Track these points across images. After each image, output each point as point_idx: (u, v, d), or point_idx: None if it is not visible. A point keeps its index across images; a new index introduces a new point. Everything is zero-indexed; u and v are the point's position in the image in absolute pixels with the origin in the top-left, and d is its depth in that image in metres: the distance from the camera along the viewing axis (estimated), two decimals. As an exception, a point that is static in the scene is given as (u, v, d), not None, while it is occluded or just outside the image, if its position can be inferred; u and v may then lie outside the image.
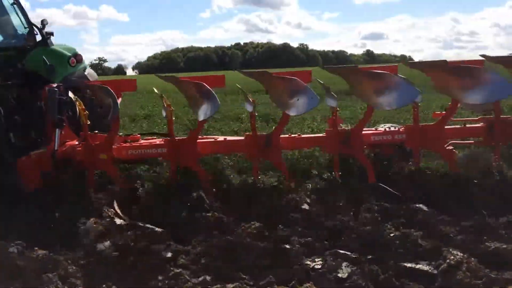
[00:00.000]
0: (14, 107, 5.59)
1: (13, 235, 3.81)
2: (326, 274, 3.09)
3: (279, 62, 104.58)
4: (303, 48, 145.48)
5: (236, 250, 3.60)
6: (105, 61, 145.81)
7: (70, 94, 5.03)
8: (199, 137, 5.17)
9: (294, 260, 3.32)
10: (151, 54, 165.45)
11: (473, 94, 4.20)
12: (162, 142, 5.17)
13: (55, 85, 5.19)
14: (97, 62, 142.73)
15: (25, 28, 6.23)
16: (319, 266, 3.20)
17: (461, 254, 3.11)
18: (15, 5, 6.23)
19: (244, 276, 3.21)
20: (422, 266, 3.15)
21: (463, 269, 2.96)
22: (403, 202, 4.16)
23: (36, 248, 3.65)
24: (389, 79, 4.33)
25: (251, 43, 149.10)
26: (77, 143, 5.21)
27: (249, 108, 4.94)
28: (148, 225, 4.01)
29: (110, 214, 4.23)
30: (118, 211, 4.33)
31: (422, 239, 3.51)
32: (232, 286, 3.04)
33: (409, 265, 3.15)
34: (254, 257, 3.46)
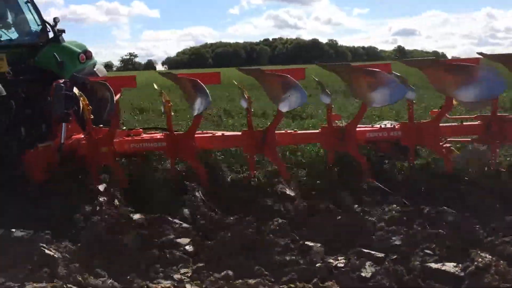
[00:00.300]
0: (25, 101, 5.75)
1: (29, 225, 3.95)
2: (349, 273, 3.06)
3: (308, 58, 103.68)
4: (332, 44, 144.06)
5: (258, 246, 3.61)
6: (135, 56, 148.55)
7: (75, 90, 5.05)
8: (198, 132, 5.29)
9: (316, 258, 3.30)
10: (180, 49, 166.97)
11: (465, 92, 4.19)
12: (162, 137, 5.25)
13: (62, 80, 5.30)
14: (128, 57, 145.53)
15: (38, 25, 6.42)
16: (342, 265, 3.16)
17: (490, 257, 3.02)
18: (28, 3, 6.41)
19: (266, 272, 3.20)
20: (449, 268, 3.05)
21: (492, 272, 2.86)
22: (430, 202, 4.07)
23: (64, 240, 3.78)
24: (379, 76, 4.34)
25: (280, 38, 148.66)
26: (82, 136, 5.35)
27: (244, 104, 5.05)
28: (175, 220, 4.07)
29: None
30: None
31: (450, 240, 3.43)
32: (253, 281, 3.04)
33: (435, 266, 3.07)
34: (276, 253, 3.45)
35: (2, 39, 6.31)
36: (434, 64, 4.50)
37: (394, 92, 4.24)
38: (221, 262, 3.42)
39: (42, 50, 6.27)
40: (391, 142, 5.34)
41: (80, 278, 3.13)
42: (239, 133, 5.31)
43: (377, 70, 4.38)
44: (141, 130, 5.99)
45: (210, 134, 5.63)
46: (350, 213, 4.05)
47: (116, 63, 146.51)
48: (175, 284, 3.10)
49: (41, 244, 3.46)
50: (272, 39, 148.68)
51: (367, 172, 4.74)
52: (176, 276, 3.21)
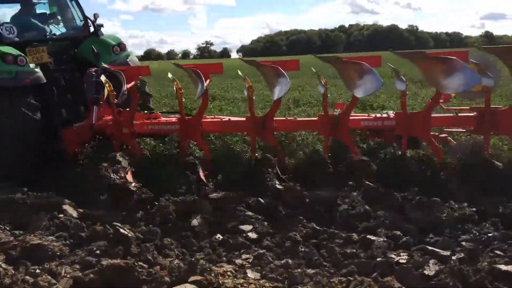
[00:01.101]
0: (66, 87, 6.54)
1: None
2: (411, 270, 2.99)
3: (386, 45, 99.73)
4: (412, 30, 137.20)
5: (321, 237, 3.63)
6: (211, 44, 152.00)
7: (102, 77, 5.56)
8: (209, 116, 6.01)
9: (377, 252, 3.26)
10: (255, 37, 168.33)
11: (446, 84, 4.37)
12: (176, 120, 5.68)
13: (93, 69, 5.93)
14: (204, 45, 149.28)
15: (81, 21, 7.17)
16: (404, 261, 3.09)
17: None
18: (73, 1, 7.17)
19: (325, 263, 3.22)
20: (521, 271, 2.89)
21: None
22: (501, 200, 3.85)
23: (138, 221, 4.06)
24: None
25: (357, 25, 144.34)
26: (110, 118, 6.00)
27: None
28: (240, 207, 4.21)
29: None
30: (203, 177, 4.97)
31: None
32: (312, 271, 3.08)
33: (505, 268, 2.90)
34: (337, 245, 3.45)
35: (52, 33, 7.14)
36: (422, 56, 4.62)
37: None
38: (282, 250, 3.50)
39: (83, 43, 6.97)
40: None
41: (150, 257, 3.35)
42: (243, 118, 5.58)
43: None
44: (160, 114, 6.55)
45: (218, 119, 6.03)
46: (418, 208, 3.92)
47: (193, 51, 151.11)
48: (236, 269, 3.21)
49: (116, 224, 3.74)
50: (349, 25, 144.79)
51: (357, 153, 4.94)
52: (238, 261, 3.32)
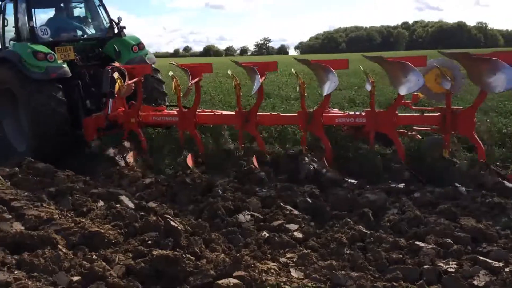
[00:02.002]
0: (91, 81, 7.47)
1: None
2: (459, 279, 2.90)
3: (452, 43, 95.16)
4: (481, 27, 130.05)
5: (368, 240, 3.59)
6: (269, 41, 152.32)
7: (115, 74, 6.33)
8: (206, 110, 7.06)
9: (425, 259, 3.18)
10: (313, 34, 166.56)
11: (399, 86, 4.97)
12: (176, 112, 6.53)
13: (110, 66, 6.82)
14: (262, 42, 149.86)
15: (106, 23, 8.11)
16: (453, 270, 3.00)
17: None
18: (100, 6, 8.13)
19: (370, 267, 3.19)
20: None
21: None
22: None
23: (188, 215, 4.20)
24: (324, 70, 5.15)
25: (421, 21, 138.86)
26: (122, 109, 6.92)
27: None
28: (287, 206, 4.26)
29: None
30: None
31: None
32: (356, 274, 3.05)
33: None
34: (383, 249, 3.40)
35: (82, 33, 8.13)
36: (383, 61, 5.18)
37: (330, 84, 4.91)
38: (327, 251, 3.50)
39: (107, 42, 7.92)
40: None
41: (197, 250, 3.47)
42: (233, 113, 6.33)
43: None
44: (164, 107, 7.33)
45: (211, 113, 6.81)
46: (470, 217, 3.78)
47: (251, 47, 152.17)
48: (280, 267, 3.25)
49: (168, 216, 3.90)
50: (413, 22, 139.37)
51: (329, 152, 5.47)
52: (282, 260, 3.36)
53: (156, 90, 7.75)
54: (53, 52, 6.87)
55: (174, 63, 6.85)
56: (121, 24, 7.97)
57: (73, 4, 8.43)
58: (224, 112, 6.92)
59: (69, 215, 4.31)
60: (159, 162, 6.11)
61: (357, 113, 5.88)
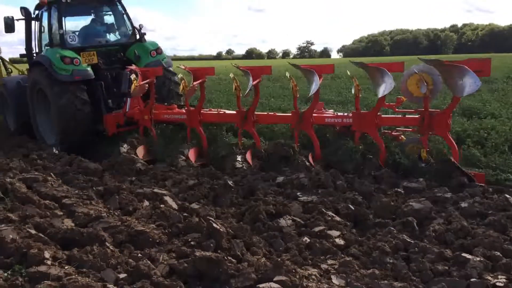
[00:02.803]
0: (112, 82, 8.31)
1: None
2: (509, 295, 2.79)
3: (505, 46, 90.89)
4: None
5: (412, 250, 3.52)
6: (312, 44, 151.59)
7: (132, 76, 7.03)
8: (208, 109, 7.85)
9: (472, 272, 3.07)
10: (357, 37, 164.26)
11: (377, 88, 5.57)
12: (184, 111, 7.23)
13: (129, 68, 7.55)
14: (304, 45, 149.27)
15: (129, 30, 8.91)
16: (502, 284, 2.89)
17: None
18: (124, 15, 8.92)
19: (414, 278, 3.12)
20: None
21: None
22: None
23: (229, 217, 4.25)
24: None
25: (470, 24, 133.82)
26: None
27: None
28: (329, 212, 4.23)
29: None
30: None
31: None
32: (399, 285, 3.00)
33: None
34: (428, 260, 3.32)
35: (108, 40, 9.00)
36: (364, 66, 5.76)
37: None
38: (369, 259, 3.45)
39: (129, 48, 8.71)
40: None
41: (239, 253, 3.51)
42: (234, 112, 6.98)
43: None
44: (175, 106, 7.94)
45: (215, 111, 7.51)
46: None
47: (293, 50, 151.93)
48: (321, 273, 3.24)
49: (210, 218, 3.96)
50: (462, 24, 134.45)
51: (317, 148, 6.06)
52: (323, 266, 3.35)
53: (171, 91, 8.41)
54: (78, 57, 7.78)
55: (182, 67, 7.49)
56: (143, 30, 8.85)
57: (100, 13, 9.20)
58: (226, 111, 7.56)
59: (116, 213, 4.46)
60: (164, 154, 6.81)
61: (345, 114, 6.48)
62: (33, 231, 3.78)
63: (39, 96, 8.37)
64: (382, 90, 5.44)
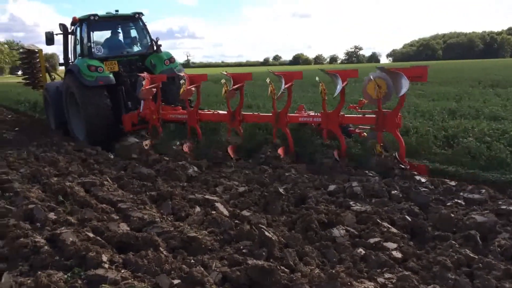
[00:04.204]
0: (131, 87, 9.59)
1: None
2: None
3: None
4: None
5: (475, 266, 3.32)
6: (360, 49, 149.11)
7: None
8: (208, 110, 9.41)
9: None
10: (408, 41, 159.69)
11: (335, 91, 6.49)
12: (185, 112, 8.54)
13: (143, 75, 8.80)
14: (352, 50, 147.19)
15: (148, 42, 10.26)
16: None
17: None
18: (144, 29, 10.33)
19: (479, 296, 2.93)
20: None
21: None
22: None
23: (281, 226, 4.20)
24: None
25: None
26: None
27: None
28: (384, 223, 4.09)
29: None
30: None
31: None
32: (463, 303, 2.82)
33: None
34: (493, 277, 3.12)
35: (129, 50, 10.36)
36: (326, 73, 6.90)
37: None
38: (429, 274, 3.29)
39: (148, 57, 10.05)
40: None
41: (291, 263, 3.45)
42: (225, 112, 8.10)
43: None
44: (180, 107, 9.15)
45: (211, 112, 8.79)
46: None
47: (341, 56, 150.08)
48: (378, 287, 3.11)
49: (262, 226, 3.92)
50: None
51: (291, 143, 7.12)
52: (380, 280, 3.21)
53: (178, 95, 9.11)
54: (102, 65, 9.16)
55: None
56: (159, 42, 10.21)
57: (123, 28, 10.70)
58: (220, 112, 8.72)
59: (169, 219, 4.52)
60: (165, 147, 7.84)
61: (316, 113, 7.42)
62: (91, 234, 3.90)
63: (71, 98, 9.73)
64: (337, 92, 6.42)
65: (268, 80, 7.33)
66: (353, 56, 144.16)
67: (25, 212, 4.56)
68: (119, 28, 10.67)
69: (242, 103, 7.83)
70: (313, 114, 7.49)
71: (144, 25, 10.38)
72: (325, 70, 7.22)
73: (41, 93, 12.26)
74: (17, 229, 4.05)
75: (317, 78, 7.16)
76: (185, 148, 7.61)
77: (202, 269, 3.30)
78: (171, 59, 9.96)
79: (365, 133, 7.22)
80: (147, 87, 8.45)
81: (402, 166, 5.82)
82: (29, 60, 13.52)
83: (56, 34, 10.70)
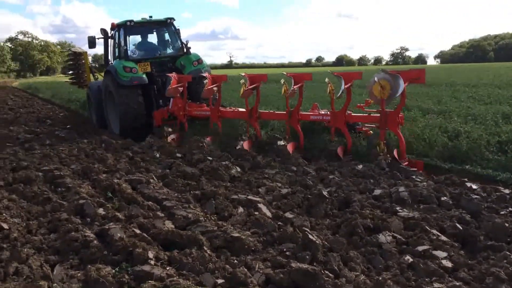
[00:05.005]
0: (163, 86, 10.36)
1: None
2: None
3: None
4: None
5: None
6: (406, 50, 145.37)
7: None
8: (229, 107, 10.15)
9: None
10: (456, 42, 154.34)
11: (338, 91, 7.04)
12: (208, 109, 9.27)
13: (171, 74, 9.62)
14: (398, 51, 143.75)
15: (179, 45, 11.21)
16: None
17: None
18: (175, 33, 11.27)
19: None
20: None
21: None
22: None
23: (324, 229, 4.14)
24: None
25: None
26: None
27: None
28: (433, 230, 3.95)
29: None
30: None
31: None
32: (519, 318, 2.68)
33: None
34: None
35: (161, 52, 11.30)
36: (332, 76, 7.41)
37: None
38: (481, 286, 3.14)
39: (178, 59, 10.97)
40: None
41: (335, 267, 3.39)
42: (244, 109, 8.66)
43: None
44: (204, 104, 9.88)
45: (231, 109, 9.40)
46: None
47: (386, 57, 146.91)
48: (427, 297, 3.00)
49: (306, 229, 3.88)
50: None
51: (301, 139, 7.72)
52: (429, 290, 3.10)
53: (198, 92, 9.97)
54: (136, 66, 10.06)
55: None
56: (188, 45, 11.17)
57: (156, 32, 11.67)
58: (240, 109, 9.25)
59: (213, 218, 4.55)
60: (187, 141, 8.45)
61: (326, 112, 7.76)
62: (137, 231, 3.99)
63: (109, 96, 10.66)
64: (340, 91, 6.96)
65: (326, 80, 7.78)
66: (398, 58, 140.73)
67: (76, 207, 4.74)
68: (153, 32, 11.73)
69: (259, 101, 8.47)
70: (323, 112, 7.88)
71: (176, 29, 11.26)
72: (332, 72, 7.76)
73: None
74: (69, 223, 4.22)
75: (326, 79, 7.69)
76: (209, 140, 8.34)
77: (246, 270, 3.30)
78: (199, 61, 10.82)
79: (371, 131, 7.65)
80: (173, 86, 9.23)
81: (401, 164, 6.18)
82: (75, 62, 15.63)
83: (98, 38, 11.85)
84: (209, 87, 8.70)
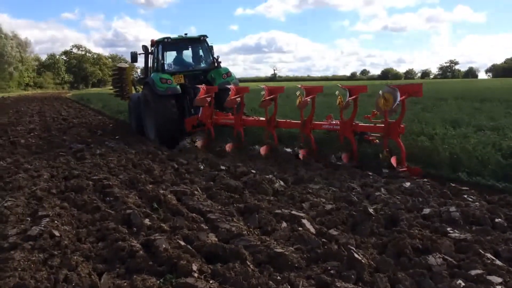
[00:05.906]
0: (194, 97, 10.72)
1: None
2: None
3: None
4: None
5: None
6: (456, 63, 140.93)
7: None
8: (250, 116, 11.12)
9: None
10: (510, 55, 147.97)
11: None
12: (233, 117, 10.16)
13: (200, 86, 10.64)
14: (447, 64, 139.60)
15: (211, 59, 12.34)
16: None
17: None
18: (208, 49, 12.41)
19: None
20: None
21: None
22: None
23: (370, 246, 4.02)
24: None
25: None
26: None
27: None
28: (487, 254, 3.75)
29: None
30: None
31: None
32: None
33: None
34: None
35: (194, 66, 12.48)
36: (340, 89, 8.26)
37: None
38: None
39: (209, 72, 11.98)
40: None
41: (382, 289, 3.27)
42: (263, 118, 9.58)
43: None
44: (230, 113, 10.71)
45: (253, 118, 10.42)
46: None
47: (434, 70, 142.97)
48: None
49: (351, 247, 3.79)
50: None
51: (314, 145, 8.47)
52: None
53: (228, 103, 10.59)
54: (171, 78, 11.11)
55: (339, 85, 8.77)
56: (219, 59, 12.25)
57: (191, 48, 12.82)
58: (261, 118, 9.99)
59: (256, 232, 4.53)
60: (213, 147, 9.58)
61: (336, 121, 8.48)
62: (182, 243, 4.04)
63: (147, 105, 11.62)
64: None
65: (337, 93, 8.33)
66: (447, 71, 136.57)
67: (123, 216, 4.86)
68: (188, 48, 12.89)
69: (276, 111, 9.30)
70: (334, 122, 8.59)
71: (208, 45, 12.47)
72: (340, 85, 8.54)
73: None
74: (116, 233, 4.32)
75: (336, 92, 8.26)
76: (227, 148, 9.25)
77: (289, 286, 3.26)
78: (227, 74, 11.82)
79: (377, 140, 8.33)
80: (201, 96, 10.21)
81: (400, 169, 6.82)
82: (119, 76, 17.40)
83: (139, 54, 13.12)
84: (232, 97, 9.58)
